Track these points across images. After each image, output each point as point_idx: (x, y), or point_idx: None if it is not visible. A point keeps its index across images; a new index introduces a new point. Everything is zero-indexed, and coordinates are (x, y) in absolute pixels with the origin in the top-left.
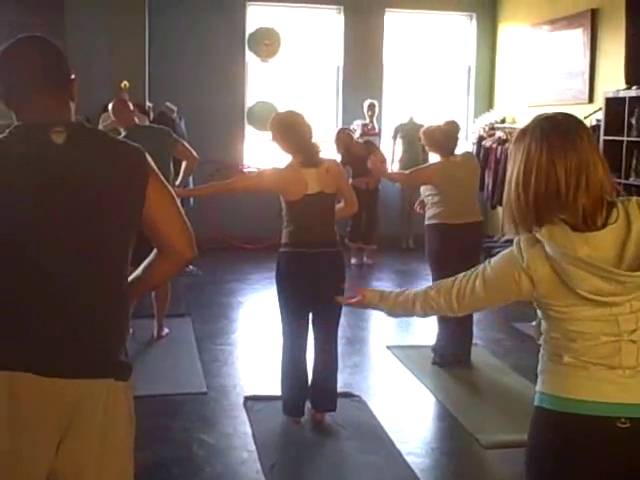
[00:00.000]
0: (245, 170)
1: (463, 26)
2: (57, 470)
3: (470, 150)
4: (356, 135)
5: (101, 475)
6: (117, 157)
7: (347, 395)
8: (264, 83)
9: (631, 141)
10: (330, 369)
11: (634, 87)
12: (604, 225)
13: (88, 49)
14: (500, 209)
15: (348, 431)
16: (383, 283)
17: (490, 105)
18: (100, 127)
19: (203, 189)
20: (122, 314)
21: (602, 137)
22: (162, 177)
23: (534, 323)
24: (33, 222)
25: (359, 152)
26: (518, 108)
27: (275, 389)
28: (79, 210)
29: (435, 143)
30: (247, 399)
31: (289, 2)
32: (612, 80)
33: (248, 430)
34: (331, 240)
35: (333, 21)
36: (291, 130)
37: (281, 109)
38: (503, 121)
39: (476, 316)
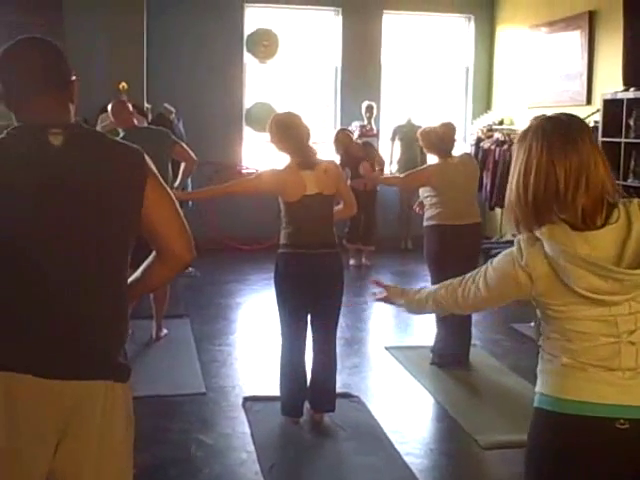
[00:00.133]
0: (243, 171)
1: (461, 28)
2: (56, 471)
3: (469, 152)
4: (354, 136)
5: (99, 476)
6: (115, 158)
7: (346, 396)
8: (262, 84)
9: (629, 142)
10: (329, 370)
11: (632, 89)
12: (604, 225)
13: (87, 50)
14: (498, 210)
15: (347, 432)
16: None
17: (488, 107)
18: (98, 128)
19: (202, 192)
20: (121, 316)
21: (600, 139)
22: (161, 179)
23: (532, 324)
24: (32, 223)
25: (357, 153)
26: (516, 110)
27: (274, 390)
28: (77, 211)
29: (431, 145)
30: (246, 400)
31: (287, 3)
32: (610, 82)
33: (247, 431)
34: (330, 241)
35: (331, 22)
36: (289, 131)
37: (279, 110)
38: (501, 123)
39: (475, 317)
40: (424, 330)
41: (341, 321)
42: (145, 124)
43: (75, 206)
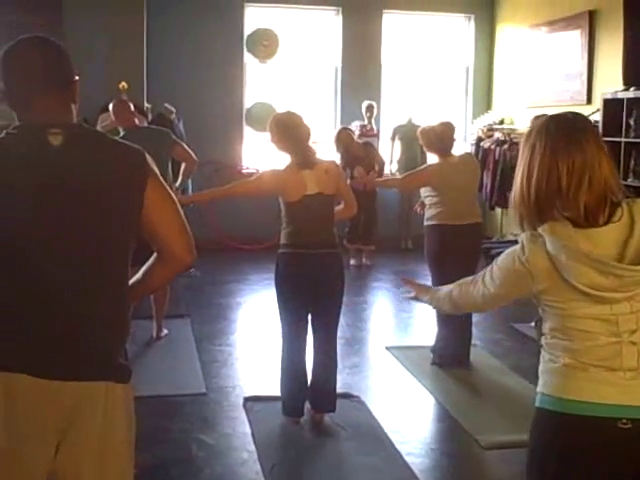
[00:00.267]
0: (244, 171)
1: (461, 27)
2: (57, 471)
3: (469, 151)
4: (355, 136)
5: (100, 477)
6: (116, 158)
7: (346, 396)
8: (262, 84)
9: (629, 142)
10: (329, 370)
11: (632, 88)
12: (606, 223)
13: (87, 50)
14: (498, 210)
15: (347, 432)
16: (382, 284)
17: (488, 106)
18: (99, 128)
19: (203, 195)
20: (122, 316)
21: None
22: (162, 179)
23: (533, 324)
24: (32, 223)
25: (358, 153)
26: (516, 109)
27: (274, 390)
28: (77, 211)
29: (431, 143)
30: (246, 400)
31: (287, 3)
32: (610, 81)
33: (247, 431)
34: (330, 241)
35: (331, 22)
36: (290, 131)
37: (279, 110)
38: (501, 122)
39: (475, 317)
40: (425, 330)
41: (341, 321)
42: (145, 124)
43: (75, 206)
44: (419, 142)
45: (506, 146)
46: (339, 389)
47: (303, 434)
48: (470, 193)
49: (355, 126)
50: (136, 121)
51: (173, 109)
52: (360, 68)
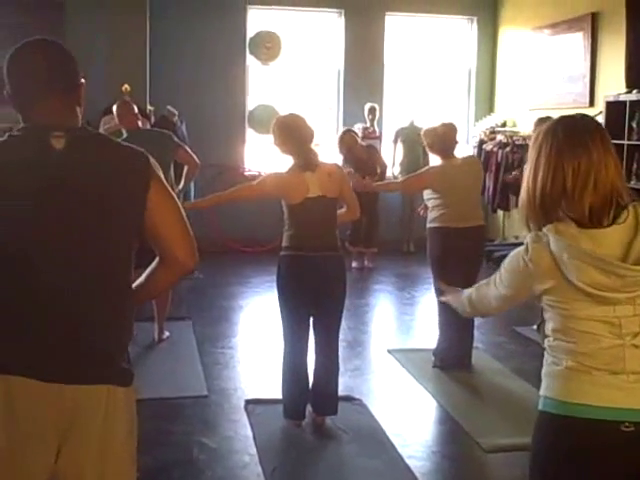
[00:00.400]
0: (246, 173)
1: (464, 29)
2: (58, 474)
3: (472, 154)
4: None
5: (102, 479)
6: (119, 161)
7: (348, 399)
8: (265, 86)
9: (632, 145)
10: (331, 373)
11: (634, 91)
12: (611, 224)
13: (88, 51)
14: (501, 213)
15: (349, 435)
16: (384, 286)
17: (491, 109)
18: (101, 130)
19: (207, 201)
20: (124, 319)
21: None
22: (166, 182)
23: (535, 327)
24: (33, 225)
25: (361, 155)
26: (519, 112)
27: (276, 392)
28: (80, 214)
29: (433, 144)
30: (248, 402)
31: (290, 5)
32: (613, 84)
33: (249, 433)
34: (332, 244)
35: (334, 24)
36: (293, 133)
37: (282, 112)
38: (504, 125)
39: (477, 320)
40: (426, 333)
41: (343, 324)
42: (148, 126)
43: (76, 208)
44: (421, 144)
45: (508, 149)
46: (341, 392)
47: (304, 437)
48: (473, 195)
49: (357, 128)
50: (139, 123)
51: (176, 112)
52: (362, 70)
